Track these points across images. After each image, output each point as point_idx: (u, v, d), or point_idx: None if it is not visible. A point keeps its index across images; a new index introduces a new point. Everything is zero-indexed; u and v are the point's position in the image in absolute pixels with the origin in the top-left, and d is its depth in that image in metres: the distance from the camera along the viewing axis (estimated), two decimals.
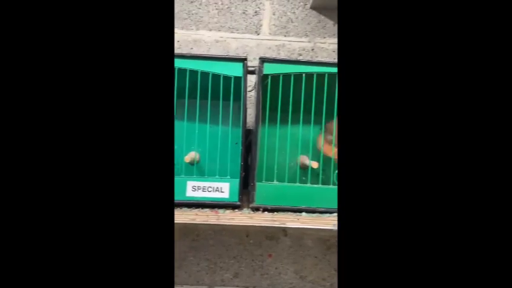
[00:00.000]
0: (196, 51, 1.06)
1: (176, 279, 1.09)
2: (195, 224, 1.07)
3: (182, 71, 0.76)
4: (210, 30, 1.06)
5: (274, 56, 1.03)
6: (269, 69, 0.75)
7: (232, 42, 1.06)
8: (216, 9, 1.06)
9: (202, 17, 1.06)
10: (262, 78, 0.75)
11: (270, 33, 1.06)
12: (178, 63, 0.75)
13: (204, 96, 0.77)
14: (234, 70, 0.76)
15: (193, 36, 1.06)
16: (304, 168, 0.80)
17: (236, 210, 0.76)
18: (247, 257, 1.08)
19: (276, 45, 1.06)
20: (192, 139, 0.79)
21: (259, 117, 0.75)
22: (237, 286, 1.08)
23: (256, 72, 0.77)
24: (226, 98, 0.77)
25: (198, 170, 0.80)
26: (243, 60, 0.76)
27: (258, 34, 1.06)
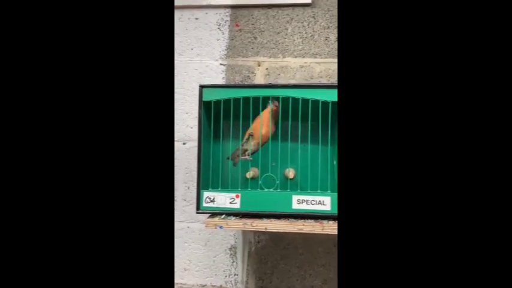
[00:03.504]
0: (283, 77, 1.17)
1: (269, 285, 1.19)
2: (286, 233, 1.17)
3: (285, 99, 0.87)
4: (296, 57, 1.17)
5: None
6: None
7: (316, 67, 1.16)
8: (301, 37, 1.17)
9: (288, 45, 1.18)
10: None
11: None
12: (281, 92, 0.87)
13: (304, 119, 0.87)
14: (331, 96, 0.86)
15: (280, 63, 1.18)
16: None
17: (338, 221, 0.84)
18: (336, 265, 1.16)
19: None
20: (295, 158, 0.89)
21: None
22: None
23: None
24: (324, 120, 0.87)
25: (301, 185, 0.90)
26: None
27: None
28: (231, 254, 1.20)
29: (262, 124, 0.89)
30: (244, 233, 1.17)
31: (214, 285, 1.21)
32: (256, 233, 1.19)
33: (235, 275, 1.20)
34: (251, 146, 0.90)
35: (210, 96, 0.87)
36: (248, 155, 0.91)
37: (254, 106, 0.88)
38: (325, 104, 0.86)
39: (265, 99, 0.87)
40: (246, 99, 0.87)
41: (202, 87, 0.88)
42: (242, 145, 0.92)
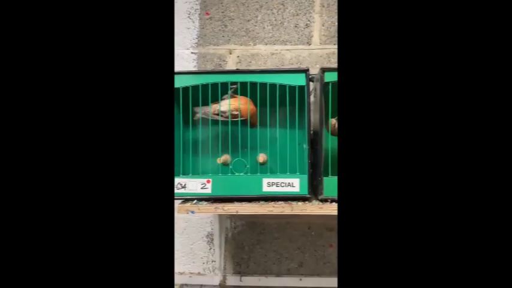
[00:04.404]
0: (254, 64, 1.18)
1: (246, 270, 1.21)
2: (261, 218, 1.19)
3: (253, 84, 0.88)
4: (266, 44, 1.18)
5: (325, 64, 1.15)
6: (329, 77, 0.85)
7: (286, 54, 1.18)
8: (271, 25, 1.18)
9: (258, 33, 1.19)
10: (324, 86, 0.85)
11: (320, 43, 1.17)
12: (249, 78, 0.88)
13: (272, 104, 0.88)
14: (298, 80, 0.87)
15: (251, 51, 1.19)
16: None
17: (306, 202, 0.86)
18: (311, 248, 1.19)
19: (327, 54, 1.16)
20: (265, 142, 0.91)
21: (323, 120, 0.86)
22: (302, 274, 1.19)
23: (318, 79, 0.87)
24: (291, 104, 0.88)
25: (271, 168, 0.92)
26: (305, 71, 0.87)
27: (310, 44, 1.17)
28: (208, 241, 1.21)
29: (242, 101, 0.89)
30: (221, 219, 1.18)
31: (193, 273, 1.22)
32: (233, 219, 1.20)
33: (212, 261, 1.21)
34: (230, 105, 0.89)
35: (179, 83, 0.88)
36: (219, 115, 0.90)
37: (223, 92, 0.89)
38: (292, 88, 0.87)
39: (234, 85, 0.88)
40: (215, 85, 0.88)
41: None
42: (222, 99, 0.89)
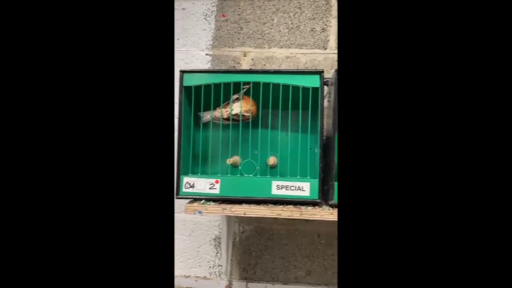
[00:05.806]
0: (268, 67, 1.17)
1: (253, 276, 1.18)
2: (270, 224, 1.17)
3: (266, 85, 0.86)
4: (281, 47, 1.17)
5: None
6: None
7: (302, 58, 1.17)
8: (286, 28, 1.17)
9: (274, 36, 1.18)
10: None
11: (336, 48, 1.15)
12: (261, 78, 0.87)
13: (285, 107, 0.87)
14: (312, 82, 0.86)
15: (266, 54, 1.18)
16: None
17: (316, 207, 0.84)
18: (319, 256, 1.15)
19: None
20: (275, 145, 0.89)
21: (336, 124, 0.84)
22: (310, 283, 1.16)
23: (333, 83, 0.85)
24: (304, 107, 0.87)
25: (281, 171, 0.90)
26: (320, 72, 0.86)
27: (325, 49, 1.16)
28: (215, 245, 1.19)
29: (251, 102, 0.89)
30: (229, 223, 1.16)
31: (198, 276, 1.20)
32: (241, 223, 1.18)
33: (219, 266, 1.19)
34: (241, 107, 0.88)
35: (191, 81, 0.87)
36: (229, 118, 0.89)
37: (235, 92, 0.87)
38: (305, 91, 0.86)
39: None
40: (227, 85, 0.87)
41: (182, 72, 0.88)
42: (231, 103, 0.88)
